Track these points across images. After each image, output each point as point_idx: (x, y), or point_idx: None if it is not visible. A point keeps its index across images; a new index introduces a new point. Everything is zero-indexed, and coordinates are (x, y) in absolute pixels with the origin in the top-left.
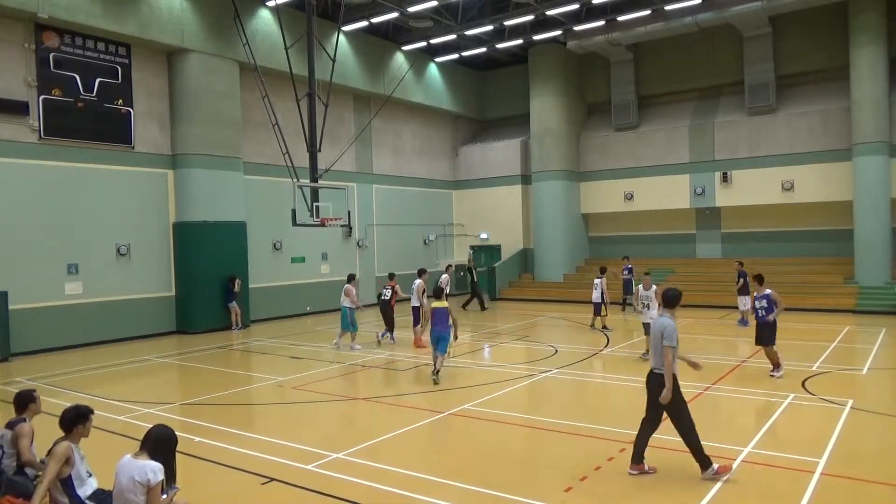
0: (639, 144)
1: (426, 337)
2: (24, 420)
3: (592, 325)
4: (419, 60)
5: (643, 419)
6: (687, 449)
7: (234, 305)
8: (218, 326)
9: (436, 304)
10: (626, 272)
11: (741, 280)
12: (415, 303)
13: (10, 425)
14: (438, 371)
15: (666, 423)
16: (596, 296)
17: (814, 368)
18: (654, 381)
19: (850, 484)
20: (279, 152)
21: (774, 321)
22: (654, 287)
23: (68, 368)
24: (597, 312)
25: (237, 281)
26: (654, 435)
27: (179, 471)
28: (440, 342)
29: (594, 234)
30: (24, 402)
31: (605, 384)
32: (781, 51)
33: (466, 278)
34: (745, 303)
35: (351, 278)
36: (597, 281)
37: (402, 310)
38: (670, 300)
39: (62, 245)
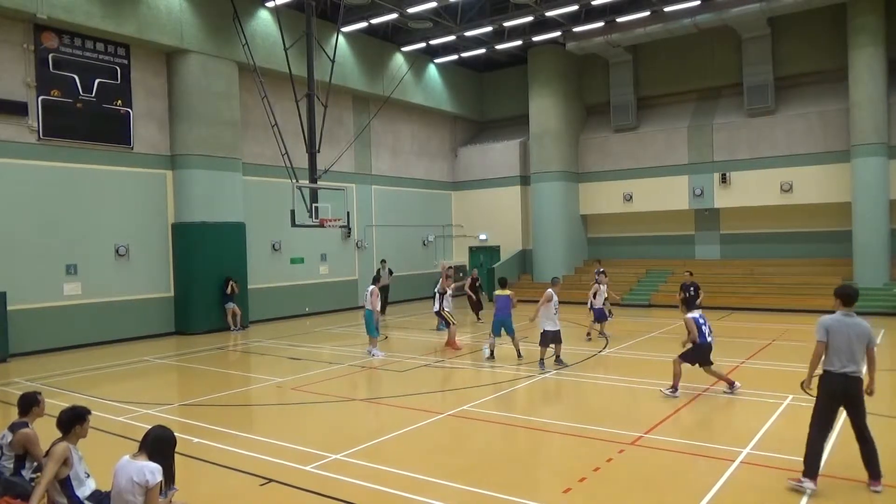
0: (638, 145)
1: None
2: (27, 424)
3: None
4: (418, 61)
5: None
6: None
7: (230, 306)
8: (217, 327)
9: (498, 291)
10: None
11: (685, 293)
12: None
13: (13, 427)
14: (518, 352)
15: (664, 424)
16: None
17: None
18: (858, 386)
19: (850, 485)
20: (278, 153)
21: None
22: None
23: (67, 369)
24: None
25: (231, 283)
26: (651, 436)
27: (178, 472)
28: (501, 326)
29: (593, 234)
30: (29, 404)
31: (604, 385)
32: (780, 52)
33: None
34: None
35: (375, 280)
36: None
37: (400, 310)
38: (854, 297)
39: (61, 246)
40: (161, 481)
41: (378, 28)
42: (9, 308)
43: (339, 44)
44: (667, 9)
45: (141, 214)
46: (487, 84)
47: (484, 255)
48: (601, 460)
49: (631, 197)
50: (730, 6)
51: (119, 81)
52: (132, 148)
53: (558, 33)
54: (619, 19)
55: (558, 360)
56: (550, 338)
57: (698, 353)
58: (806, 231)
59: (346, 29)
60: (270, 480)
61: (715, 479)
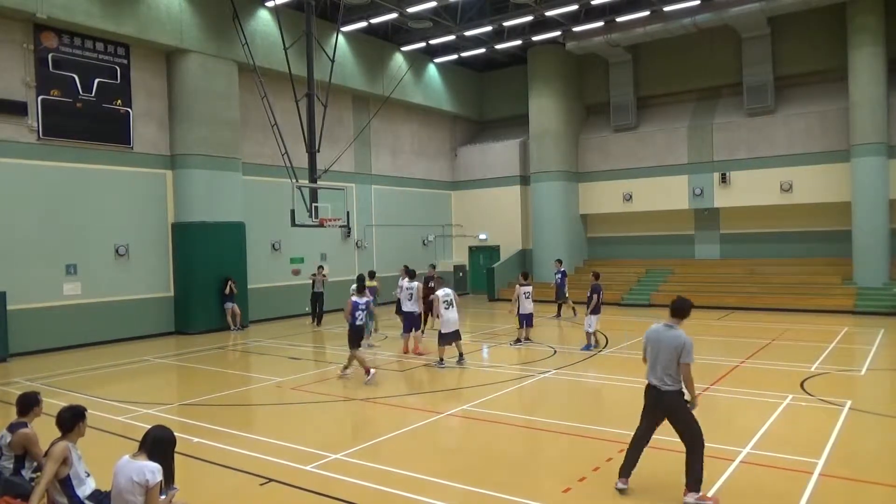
0: (637, 145)
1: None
2: (25, 424)
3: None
4: (418, 61)
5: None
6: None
7: (230, 306)
8: (216, 327)
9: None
10: (558, 277)
11: (594, 297)
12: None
13: (11, 428)
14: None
15: (664, 424)
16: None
17: (812, 369)
18: (673, 400)
19: (849, 485)
20: (278, 153)
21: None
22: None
23: (67, 369)
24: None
25: (230, 283)
26: (654, 435)
27: (178, 471)
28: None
29: (593, 234)
30: (29, 404)
31: (603, 385)
32: (780, 52)
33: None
34: (590, 323)
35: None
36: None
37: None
38: (678, 310)
39: (61, 245)
40: (161, 481)
41: (378, 28)
42: (9, 308)
43: (339, 43)
44: (666, 8)
45: (141, 214)
46: (487, 84)
47: (483, 254)
48: (601, 460)
49: (630, 197)
50: (730, 6)
51: (119, 81)
52: (132, 148)
53: (558, 33)
54: (619, 19)
55: (460, 358)
56: (450, 336)
57: (353, 335)
58: (806, 231)
59: (345, 29)
60: (270, 480)
61: (715, 479)
